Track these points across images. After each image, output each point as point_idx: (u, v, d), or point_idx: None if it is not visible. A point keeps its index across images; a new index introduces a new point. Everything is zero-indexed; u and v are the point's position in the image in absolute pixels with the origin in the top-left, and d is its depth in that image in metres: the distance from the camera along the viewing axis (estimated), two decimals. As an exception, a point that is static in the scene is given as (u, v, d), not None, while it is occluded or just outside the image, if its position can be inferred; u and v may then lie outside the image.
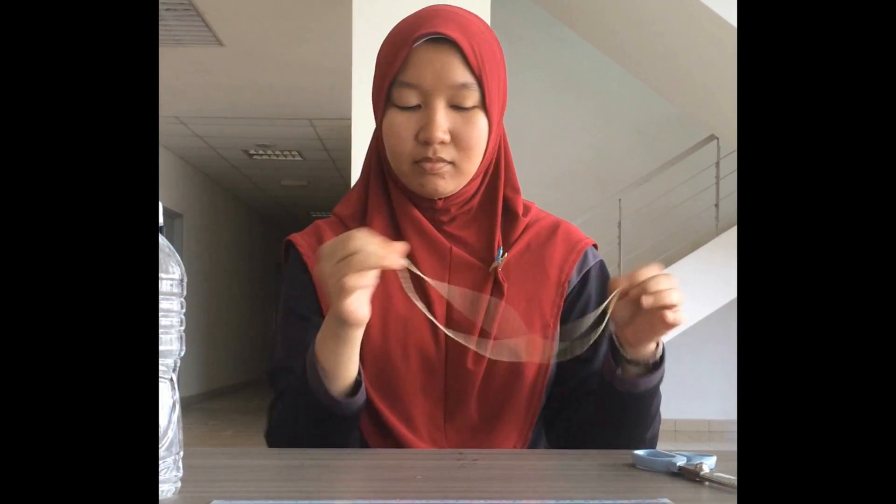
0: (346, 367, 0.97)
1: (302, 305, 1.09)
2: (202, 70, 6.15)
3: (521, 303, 1.07)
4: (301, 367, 1.00)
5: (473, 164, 1.04)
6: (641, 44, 5.15)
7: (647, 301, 0.92)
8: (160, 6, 4.84)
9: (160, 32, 5.24)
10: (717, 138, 6.78)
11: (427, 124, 1.01)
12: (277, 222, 13.78)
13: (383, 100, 1.04)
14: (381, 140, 1.08)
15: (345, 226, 1.11)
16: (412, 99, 1.02)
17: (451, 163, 1.03)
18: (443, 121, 1.01)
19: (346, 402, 0.97)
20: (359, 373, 0.99)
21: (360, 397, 0.99)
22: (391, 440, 1.04)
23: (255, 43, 5.57)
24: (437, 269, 1.06)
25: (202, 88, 6.62)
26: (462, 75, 1.01)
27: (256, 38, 5.48)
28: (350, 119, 3.71)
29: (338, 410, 0.97)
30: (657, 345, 0.99)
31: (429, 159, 1.02)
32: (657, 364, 1.00)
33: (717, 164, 7.01)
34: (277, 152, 8.73)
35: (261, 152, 8.75)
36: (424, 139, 1.01)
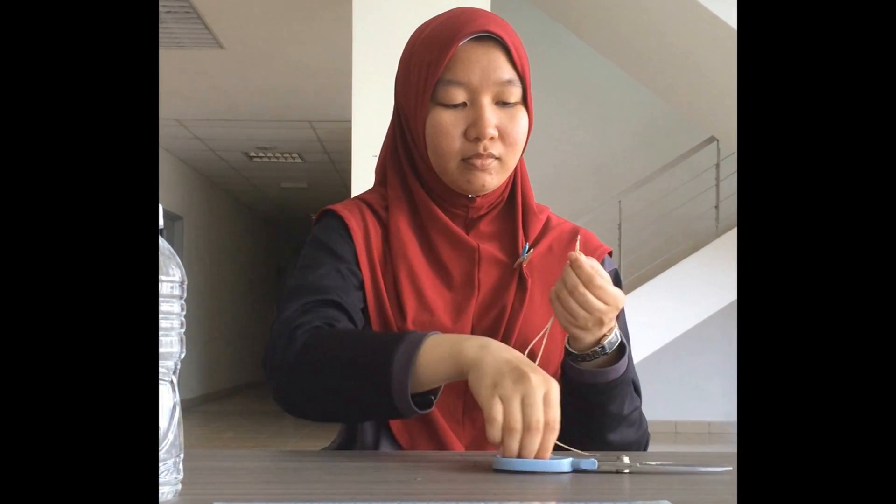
0: (435, 384, 0.93)
1: (338, 257, 1.06)
2: (202, 72, 6.15)
3: (544, 303, 1.08)
4: (372, 336, 0.99)
5: (516, 158, 1.08)
6: (642, 46, 5.15)
7: (553, 302, 0.96)
8: (161, 9, 4.84)
9: (161, 35, 5.24)
10: (718, 140, 6.78)
11: (477, 120, 1.03)
12: (278, 224, 13.78)
13: (427, 100, 1.05)
14: (414, 142, 1.09)
15: (374, 212, 1.11)
16: (459, 96, 1.03)
17: (499, 158, 1.05)
18: (492, 117, 1.03)
19: (412, 409, 0.91)
20: (436, 392, 0.96)
21: (423, 410, 0.94)
22: (416, 424, 1.05)
23: (255, 45, 5.57)
24: (465, 266, 1.09)
25: (202, 91, 6.63)
26: (507, 72, 1.04)
27: (257, 40, 5.48)
28: (350, 121, 3.71)
29: (402, 408, 0.91)
30: (598, 341, 0.98)
31: (479, 155, 1.04)
32: (608, 361, 1.00)
33: (718, 165, 7.01)
34: (278, 154, 8.74)
35: (261, 154, 8.75)
36: (475, 135, 1.03)
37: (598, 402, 1.02)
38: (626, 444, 1.05)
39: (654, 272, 6.82)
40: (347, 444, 1.14)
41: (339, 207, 1.12)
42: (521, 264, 1.09)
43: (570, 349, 1.01)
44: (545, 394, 0.84)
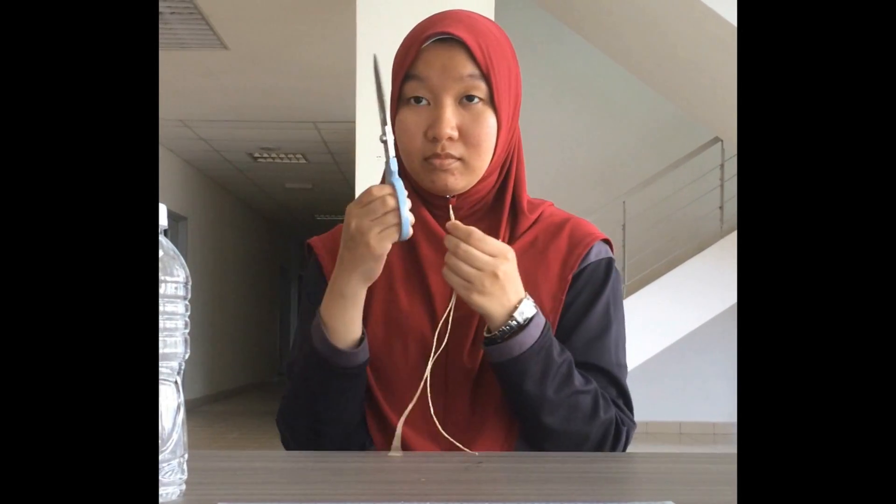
0: (350, 326, 1.03)
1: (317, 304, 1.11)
2: (207, 73, 6.16)
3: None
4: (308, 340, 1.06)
5: (483, 160, 1.06)
6: (646, 46, 5.15)
7: (448, 258, 0.99)
8: (165, 10, 4.85)
9: (165, 36, 5.25)
10: (722, 140, 6.77)
11: (435, 121, 1.03)
12: (282, 225, 13.79)
13: (396, 97, 1.06)
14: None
15: None
16: (419, 92, 1.04)
17: (460, 159, 1.05)
18: (451, 117, 1.03)
19: (352, 351, 1.02)
20: (363, 332, 1.04)
21: (365, 351, 1.04)
22: (390, 432, 1.05)
23: (259, 46, 5.58)
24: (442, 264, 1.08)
25: (207, 92, 6.64)
26: (468, 68, 1.03)
27: (261, 41, 5.49)
28: (354, 122, 3.71)
29: (343, 361, 1.02)
30: (511, 314, 0.99)
31: (437, 155, 1.04)
32: (507, 336, 1.00)
33: (722, 166, 7.00)
34: (282, 155, 8.75)
35: (265, 155, 8.76)
36: (433, 135, 1.03)
37: (511, 382, 1.02)
38: (574, 434, 1.03)
39: (658, 273, 6.81)
40: None
41: (315, 242, 1.19)
42: None
43: (488, 336, 1.01)
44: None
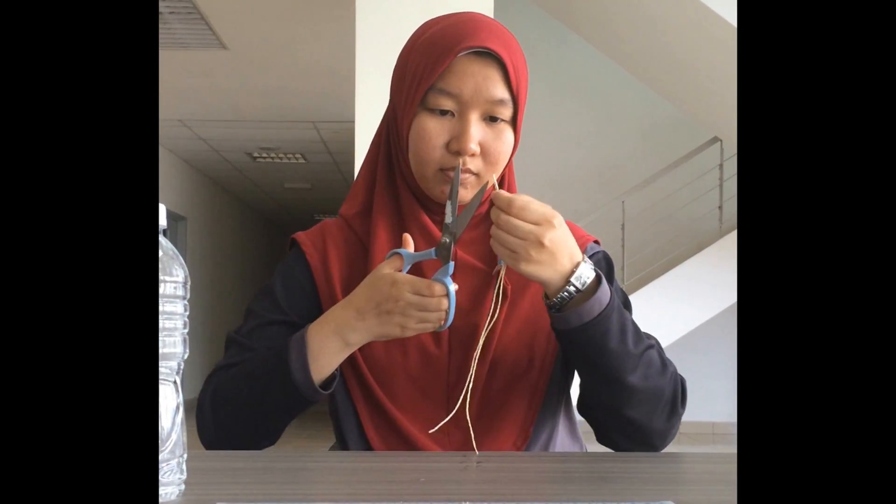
0: (333, 365, 1.01)
1: (289, 300, 1.11)
2: (206, 73, 6.16)
3: (525, 303, 1.09)
4: (269, 346, 1.04)
5: (495, 176, 1.06)
6: (645, 46, 5.15)
7: (493, 230, 0.95)
8: (164, 10, 4.85)
9: (164, 36, 5.25)
10: (721, 140, 6.77)
11: (461, 135, 1.01)
12: (281, 225, 13.79)
13: (416, 103, 1.03)
14: (398, 141, 1.09)
15: (350, 226, 1.13)
16: (447, 106, 1.02)
17: (476, 174, 1.04)
18: (476, 133, 1.02)
19: (319, 392, 1.01)
20: (335, 371, 1.03)
21: (330, 388, 1.03)
22: (395, 438, 1.05)
23: (258, 46, 5.57)
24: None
25: (206, 91, 6.63)
26: (501, 91, 1.02)
27: (260, 41, 5.48)
28: (353, 122, 3.71)
29: (312, 396, 1.00)
30: (567, 279, 0.96)
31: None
32: (585, 295, 0.96)
33: (721, 166, 7.00)
34: (281, 155, 8.74)
35: (264, 155, 8.76)
36: (456, 149, 1.02)
37: (594, 344, 0.97)
38: (653, 390, 1.00)
39: (657, 273, 6.81)
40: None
41: (301, 237, 1.15)
42: (498, 271, 1.07)
43: (548, 302, 0.98)
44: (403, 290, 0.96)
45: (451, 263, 0.97)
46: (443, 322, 0.97)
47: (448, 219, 0.99)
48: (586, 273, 0.96)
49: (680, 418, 1.04)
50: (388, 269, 0.98)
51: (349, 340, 1.00)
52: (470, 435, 1.04)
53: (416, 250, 1.05)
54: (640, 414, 1.01)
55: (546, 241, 0.93)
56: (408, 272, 0.99)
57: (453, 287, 0.96)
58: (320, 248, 1.12)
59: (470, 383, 1.02)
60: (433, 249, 0.99)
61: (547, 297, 0.98)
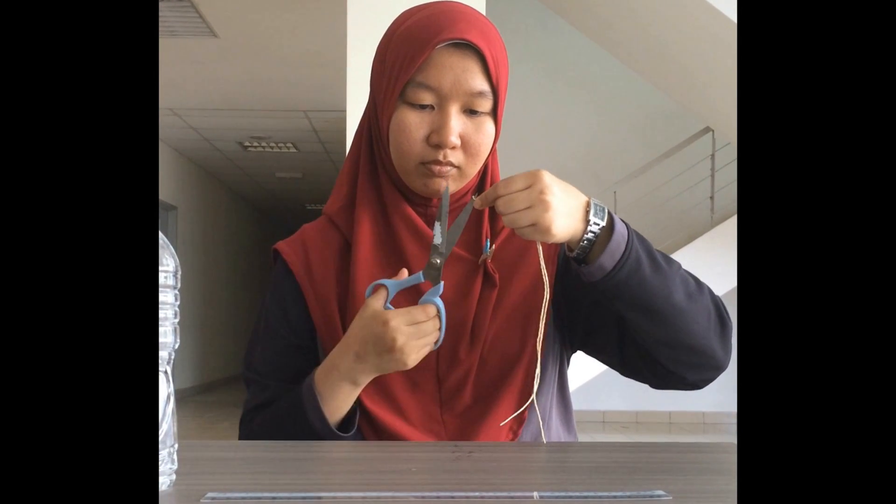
0: (348, 404, 1.02)
1: (285, 319, 1.12)
2: (196, 61, 6.13)
3: (515, 289, 1.09)
4: (290, 393, 1.05)
5: (476, 167, 1.06)
6: (636, 36, 5.14)
7: (504, 221, 0.94)
8: (154, -3, 4.82)
9: (154, 24, 5.22)
10: (713, 130, 6.78)
11: (441, 128, 1.01)
12: (272, 214, 13.76)
13: (395, 97, 1.03)
14: (379, 135, 1.08)
15: (333, 224, 1.13)
16: (426, 99, 1.01)
17: (458, 167, 1.04)
18: (457, 125, 1.02)
19: (341, 434, 1.02)
20: (354, 405, 1.03)
21: (353, 427, 1.04)
22: (387, 430, 1.05)
23: (249, 35, 5.55)
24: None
25: (197, 80, 6.60)
26: (480, 83, 1.01)
27: (251, 29, 5.46)
28: (345, 111, 3.70)
29: (332, 439, 1.01)
30: (586, 219, 0.94)
31: (438, 162, 1.02)
32: (604, 239, 0.94)
33: (713, 156, 7.01)
34: (272, 144, 8.72)
35: (255, 144, 8.73)
36: (436, 142, 1.02)
37: (633, 278, 0.95)
38: (698, 309, 0.99)
39: (648, 263, 6.82)
40: None
41: (283, 248, 1.14)
42: (485, 260, 1.07)
43: (576, 254, 0.96)
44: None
45: (441, 283, 0.98)
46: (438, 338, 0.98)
47: (437, 240, 0.99)
48: (598, 207, 0.95)
49: (731, 330, 1.02)
50: (376, 305, 0.98)
51: (357, 382, 1.01)
52: (464, 425, 1.04)
53: (402, 245, 1.06)
54: (697, 337, 0.99)
55: (546, 195, 0.91)
56: (396, 294, 0.99)
57: (442, 305, 0.97)
58: (301, 255, 1.12)
59: (538, 372, 1.03)
60: (420, 273, 0.99)
61: (570, 249, 0.96)
